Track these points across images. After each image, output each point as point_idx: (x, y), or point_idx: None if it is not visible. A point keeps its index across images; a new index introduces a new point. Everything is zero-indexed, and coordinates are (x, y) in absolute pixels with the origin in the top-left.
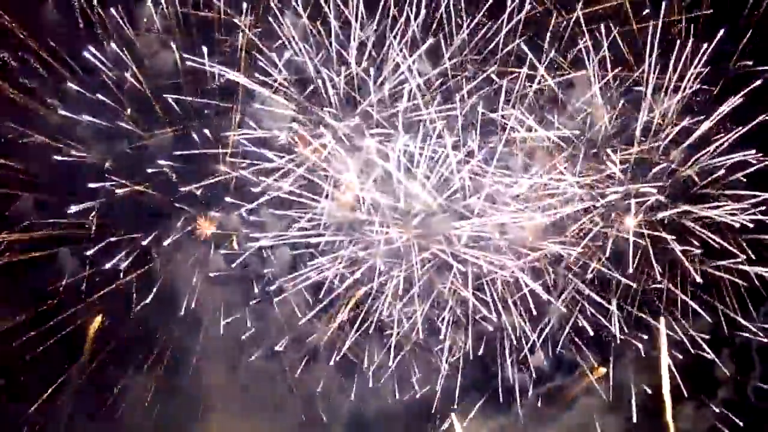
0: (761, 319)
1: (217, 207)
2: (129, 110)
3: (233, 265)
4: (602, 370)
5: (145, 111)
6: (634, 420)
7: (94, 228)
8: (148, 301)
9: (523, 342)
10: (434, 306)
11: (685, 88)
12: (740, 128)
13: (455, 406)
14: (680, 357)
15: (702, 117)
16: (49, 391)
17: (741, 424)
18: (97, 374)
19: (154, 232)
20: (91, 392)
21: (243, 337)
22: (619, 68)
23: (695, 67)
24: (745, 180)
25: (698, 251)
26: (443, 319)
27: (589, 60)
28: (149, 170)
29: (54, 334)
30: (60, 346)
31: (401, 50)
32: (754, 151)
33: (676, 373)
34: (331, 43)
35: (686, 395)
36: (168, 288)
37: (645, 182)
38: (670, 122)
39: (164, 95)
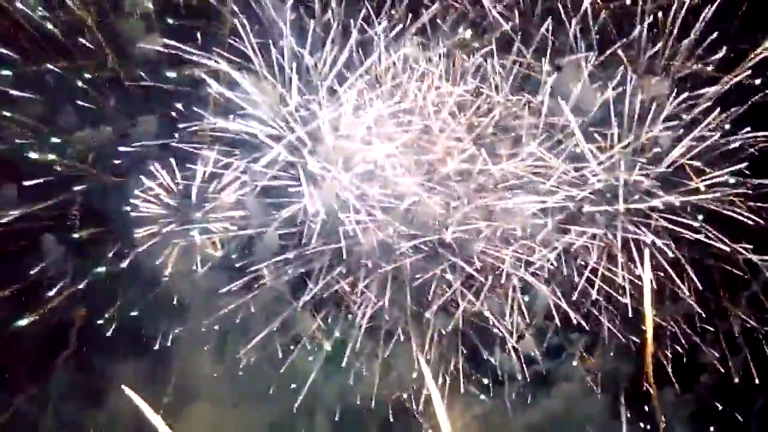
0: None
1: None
2: (112, 100)
3: (218, 253)
4: (591, 359)
5: (127, 99)
6: (622, 406)
7: (78, 219)
8: (133, 289)
9: (513, 329)
10: (423, 294)
11: (674, 71)
12: (737, 108)
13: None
14: (675, 347)
15: (692, 101)
16: (38, 380)
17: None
18: (86, 363)
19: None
20: (80, 381)
21: (229, 326)
22: (608, 51)
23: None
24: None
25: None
26: (431, 307)
27: (577, 44)
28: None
29: (40, 324)
30: (47, 335)
31: (386, 35)
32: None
33: (665, 363)
34: (315, 29)
35: (672, 380)
36: (153, 276)
37: (634, 168)
38: (660, 106)
39: (146, 83)
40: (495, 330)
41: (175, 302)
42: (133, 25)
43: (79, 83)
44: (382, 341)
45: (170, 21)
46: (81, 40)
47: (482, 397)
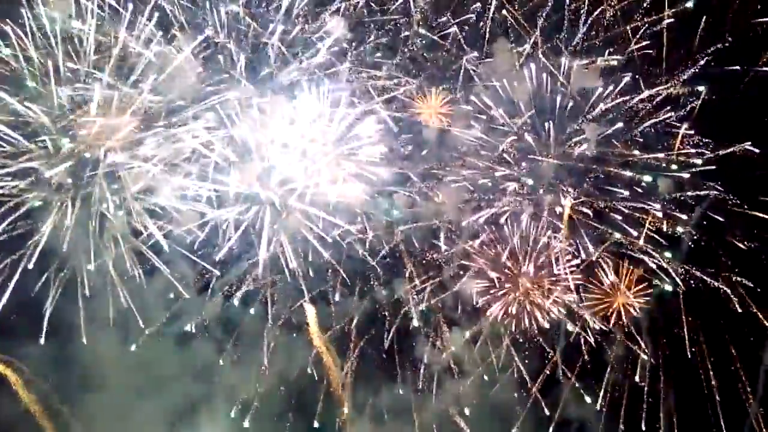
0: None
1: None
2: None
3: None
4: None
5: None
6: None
7: None
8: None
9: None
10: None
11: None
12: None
13: None
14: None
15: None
16: None
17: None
18: None
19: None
20: None
21: (134, 313)
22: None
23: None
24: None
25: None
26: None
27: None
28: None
29: None
30: None
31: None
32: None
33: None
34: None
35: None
36: (58, 258)
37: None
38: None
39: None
40: (415, 321)
41: (78, 287)
42: None
43: None
44: (290, 330)
45: None
46: None
47: (397, 384)
